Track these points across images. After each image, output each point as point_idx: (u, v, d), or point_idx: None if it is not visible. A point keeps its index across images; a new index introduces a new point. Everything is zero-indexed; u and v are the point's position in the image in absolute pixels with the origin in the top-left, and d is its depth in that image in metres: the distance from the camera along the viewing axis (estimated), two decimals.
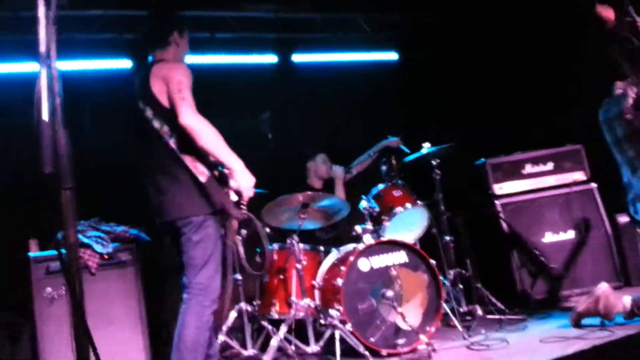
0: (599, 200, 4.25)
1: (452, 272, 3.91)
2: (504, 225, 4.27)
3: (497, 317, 3.70)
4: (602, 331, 3.05)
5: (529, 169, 4.38)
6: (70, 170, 1.51)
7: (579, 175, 4.35)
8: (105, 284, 3.39)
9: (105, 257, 3.42)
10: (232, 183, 2.53)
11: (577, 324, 3.24)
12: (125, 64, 4.76)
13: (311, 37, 5.45)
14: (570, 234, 4.23)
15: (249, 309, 3.50)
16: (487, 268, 4.15)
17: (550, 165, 4.38)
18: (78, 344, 1.51)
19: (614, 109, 3.08)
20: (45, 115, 1.46)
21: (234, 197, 2.56)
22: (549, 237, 4.23)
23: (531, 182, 4.36)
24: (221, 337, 3.33)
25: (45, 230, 3.33)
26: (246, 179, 2.50)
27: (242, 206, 2.55)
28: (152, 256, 3.67)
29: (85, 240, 3.41)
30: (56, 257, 3.22)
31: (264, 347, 3.34)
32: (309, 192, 3.66)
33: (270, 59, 5.36)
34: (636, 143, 3.01)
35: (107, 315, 3.33)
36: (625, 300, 3.11)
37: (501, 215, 4.26)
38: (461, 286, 3.92)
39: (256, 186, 3.73)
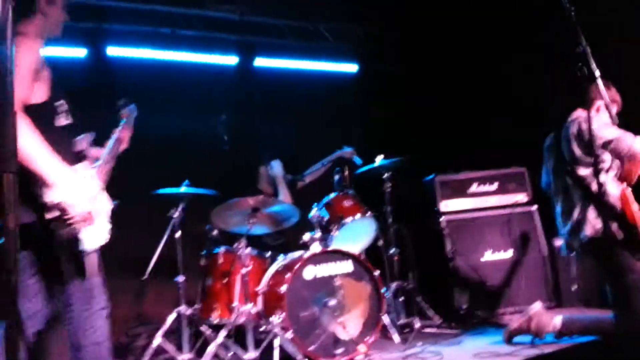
0: (538, 222, 4.43)
1: (394, 284, 3.99)
2: (447, 241, 4.39)
3: (434, 330, 3.80)
4: (532, 348, 3.19)
5: (475, 187, 4.53)
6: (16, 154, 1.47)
7: (522, 197, 4.52)
8: None
9: None
10: (51, 197, 2.05)
11: (509, 341, 3.37)
12: None
13: (273, 42, 5.47)
14: (509, 254, 4.39)
15: (189, 312, 3.46)
16: (428, 282, 4.25)
17: (495, 186, 4.54)
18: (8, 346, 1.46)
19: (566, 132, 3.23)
20: None
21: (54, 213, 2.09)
22: (488, 256, 4.38)
23: (476, 200, 4.51)
24: (157, 340, 3.27)
25: None
26: (69, 194, 2.05)
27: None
28: None
29: None
30: None
31: (200, 353, 3.30)
32: (261, 197, 3.66)
33: (231, 60, 5.34)
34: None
35: None
36: (556, 320, 3.25)
37: (444, 231, 4.38)
38: (402, 298, 4.01)
39: (208, 187, 3.75)
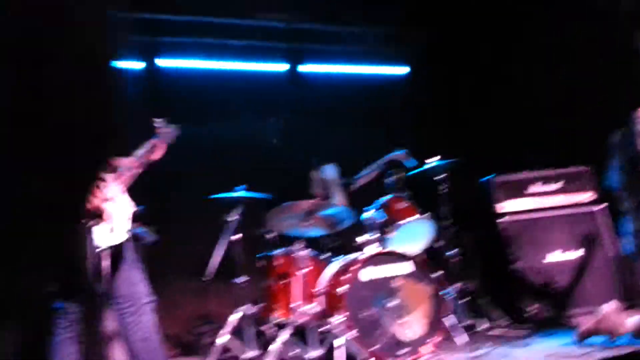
0: (604, 222, 4.23)
1: (456, 285, 3.88)
2: (508, 242, 4.25)
3: (499, 332, 3.67)
4: (606, 350, 3.02)
5: (536, 187, 4.37)
6: None
7: (587, 196, 4.33)
8: None
9: None
10: None
11: (582, 342, 3.21)
12: None
13: (321, 48, 5.51)
14: (576, 254, 4.20)
15: (251, 312, 3.47)
16: (492, 283, 4.11)
17: (558, 185, 4.37)
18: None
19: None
20: None
21: None
22: (554, 256, 4.20)
23: (538, 200, 4.34)
24: (222, 339, 3.28)
25: None
26: None
27: None
28: (158, 256, 3.65)
29: None
30: None
31: (264, 351, 3.30)
32: (315, 200, 3.66)
33: (281, 67, 5.41)
34: None
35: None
36: (631, 320, 3.08)
37: (505, 232, 4.23)
38: (465, 300, 3.88)
39: (263, 191, 3.79)
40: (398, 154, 4.45)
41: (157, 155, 2.80)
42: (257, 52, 5.34)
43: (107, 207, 2.42)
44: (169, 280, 4.03)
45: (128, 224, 2.53)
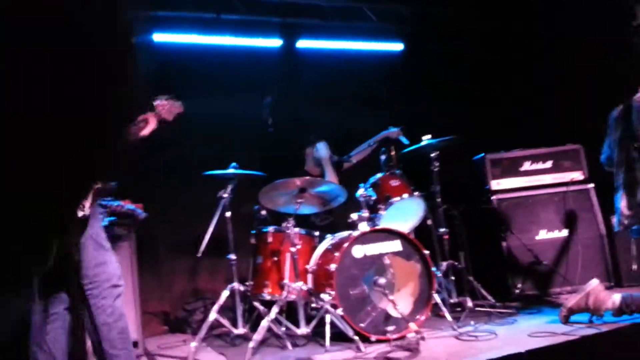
0: (595, 200, 4.27)
1: (444, 263, 3.93)
2: (499, 220, 4.29)
3: (487, 309, 3.73)
4: (590, 328, 3.08)
5: (527, 166, 4.40)
6: None
7: (577, 175, 4.37)
8: None
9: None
10: None
11: (566, 320, 3.27)
12: None
13: (317, 23, 5.43)
14: (564, 233, 4.25)
15: (242, 289, 3.52)
16: (480, 261, 4.16)
17: (548, 164, 4.40)
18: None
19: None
20: None
21: None
22: (543, 234, 4.26)
23: (529, 179, 4.38)
24: (213, 315, 3.34)
25: None
26: None
27: None
28: (149, 232, 3.69)
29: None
30: None
31: (254, 327, 3.37)
32: (307, 177, 3.67)
33: (275, 43, 5.35)
34: None
35: None
36: (615, 297, 3.14)
37: (496, 210, 4.28)
38: (453, 277, 3.94)
39: (254, 168, 3.80)
40: (392, 131, 4.44)
41: (147, 131, 2.73)
42: (251, 27, 5.28)
43: None
44: (160, 257, 4.07)
45: (90, 200, 2.32)
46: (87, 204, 2.30)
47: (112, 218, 3.52)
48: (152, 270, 3.80)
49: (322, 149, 4.48)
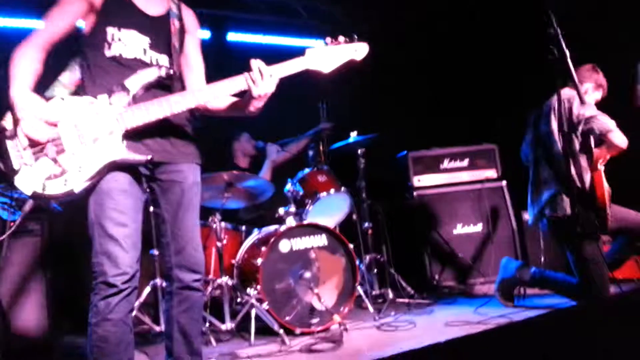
0: (507, 197, 4.55)
1: (368, 256, 4.05)
2: (420, 215, 4.47)
3: (406, 300, 3.90)
4: (502, 317, 3.30)
5: (446, 164, 4.61)
6: None
7: (491, 173, 4.63)
8: (10, 253, 3.20)
9: (11, 224, 3.22)
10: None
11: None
12: None
13: (246, 16, 5.39)
14: (480, 227, 4.50)
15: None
16: (401, 255, 4.33)
17: (465, 162, 4.63)
18: None
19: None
20: None
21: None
22: (459, 229, 4.49)
23: (447, 176, 4.59)
24: (133, 313, 3.24)
25: None
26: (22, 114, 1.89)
27: None
28: (62, 228, 3.51)
29: None
30: None
31: None
32: (235, 172, 3.64)
33: (203, 34, 5.25)
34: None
35: (10, 285, 3.16)
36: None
37: (417, 205, 4.46)
38: (375, 270, 4.08)
39: None
40: (324, 127, 4.50)
41: None
42: None
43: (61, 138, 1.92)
44: (76, 253, 3.89)
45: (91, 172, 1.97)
46: None
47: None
48: (67, 268, 3.62)
49: (271, 147, 4.48)
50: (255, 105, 2.15)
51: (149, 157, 1.99)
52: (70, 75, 2.12)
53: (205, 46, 5.10)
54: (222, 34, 5.34)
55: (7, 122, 1.93)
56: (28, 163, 1.90)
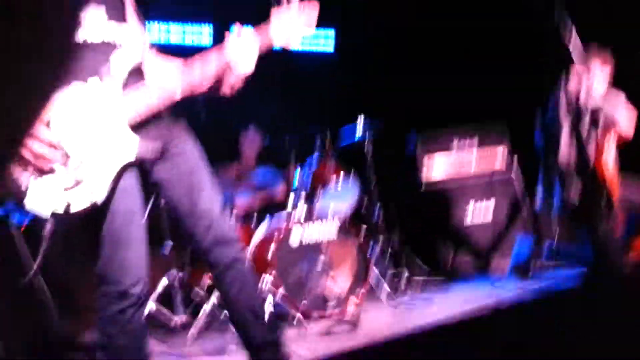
0: (519, 174, 4.46)
1: (381, 237, 4.04)
2: (432, 199, 4.41)
3: (422, 278, 3.87)
4: (519, 292, 3.28)
5: (455, 143, 4.54)
6: None
7: (502, 150, 4.53)
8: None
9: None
10: None
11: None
12: None
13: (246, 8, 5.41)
14: (492, 205, 4.40)
15: (179, 277, 3.47)
16: (414, 235, 4.31)
17: (475, 140, 4.54)
18: None
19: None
20: None
21: None
22: (472, 207, 4.41)
23: (457, 155, 4.51)
24: (151, 305, 3.27)
25: None
26: None
27: None
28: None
29: None
30: None
31: (194, 314, 3.34)
32: (242, 165, 3.68)
33: (206, 30, 5.31)
34: None
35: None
36: None
37: (429, 189, 4.40)
38: (389, 252, 4.06)
39: None
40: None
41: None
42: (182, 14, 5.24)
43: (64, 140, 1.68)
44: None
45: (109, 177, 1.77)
46: None
47: None
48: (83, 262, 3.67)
49: (256, 135, 4.47)
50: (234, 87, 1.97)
51: (160, 144, 1.84)
52: None
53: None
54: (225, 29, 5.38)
55: None
56: (34, 179, 1.65)
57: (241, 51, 1.87)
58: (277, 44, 1.95)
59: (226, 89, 1.98)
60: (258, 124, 4.60)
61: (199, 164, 2.00)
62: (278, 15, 1.92)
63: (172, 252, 3.53)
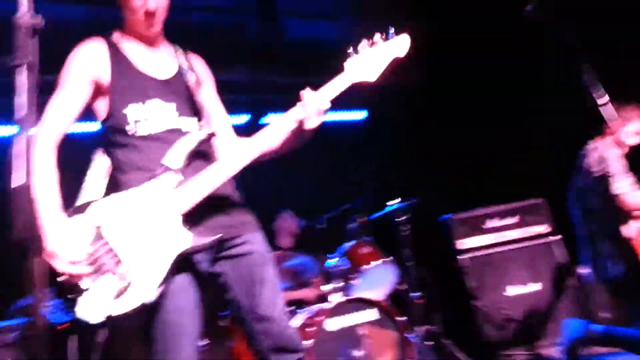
0: (562, 252, 4.34)
1: (421, 328, 3.92)
2: (468, 280, 4.30)
3: None
4: None
5: (493, 223, 4.46)
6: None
7: (543, 229, 4.44)
8: None
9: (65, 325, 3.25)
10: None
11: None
12: None
13: (282, 98, 5.63)
14: (535, 287, 4.27)
15: None
16: (455, 322, 4.17)
17: (513, 219, 4.47)
18: None
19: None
20: (18, 182, 1.36)
21: None
22: (513, 290, 4.27)
23: (495, 236, 4.42)
24: None
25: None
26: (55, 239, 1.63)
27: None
28: None
29: None
30: (13, 328, 3.11)
31: None
32: (278, 252, 3.68)
33: (241, 119, 5.54)
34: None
35: None
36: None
37: (465, 270, 4.31)
38: (431, 342, 3.93)
39: None
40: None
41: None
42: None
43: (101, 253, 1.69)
44: None
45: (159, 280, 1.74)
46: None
47: None
48: None
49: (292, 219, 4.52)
50: (307, 136, 1.97)
51: (219, 235, 1.76)
52: (98, 170, 1.88)
53: (243, 129, 5.33)
54: (259, 117, 5.59)
55: None
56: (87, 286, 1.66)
57: (316, 106, 1.90)
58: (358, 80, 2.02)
59: (298, 143, 2.01)
60: (291, 208, 4.65)
61: (264, 260, 1.93)
62: (351, 61, 2.00)
63: (209, 349, 3.49)
